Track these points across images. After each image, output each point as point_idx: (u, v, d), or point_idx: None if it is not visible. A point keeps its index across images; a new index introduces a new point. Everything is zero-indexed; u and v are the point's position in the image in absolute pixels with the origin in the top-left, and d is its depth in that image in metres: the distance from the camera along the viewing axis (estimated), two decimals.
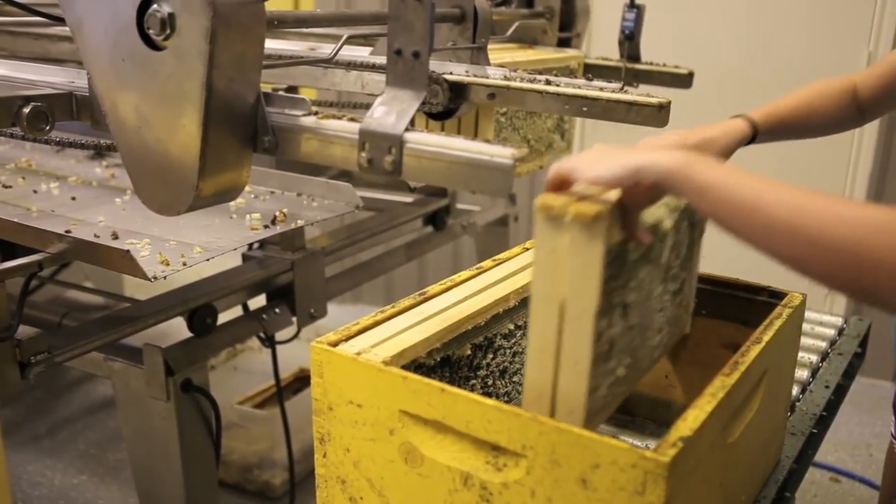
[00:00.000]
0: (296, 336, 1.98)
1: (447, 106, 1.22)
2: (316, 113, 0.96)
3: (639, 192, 0.81)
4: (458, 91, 1.21)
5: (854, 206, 0.70)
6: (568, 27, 1.99)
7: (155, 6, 0.87)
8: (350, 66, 1.33)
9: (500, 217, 2.56)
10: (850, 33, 2.92)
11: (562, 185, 0.81)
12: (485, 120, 1.35)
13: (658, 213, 0.91)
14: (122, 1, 0.89)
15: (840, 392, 1.46)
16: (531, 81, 1.23)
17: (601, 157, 0.81)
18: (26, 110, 1.02)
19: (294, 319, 1.80)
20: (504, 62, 1.47)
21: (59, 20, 1.07)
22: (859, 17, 2.91)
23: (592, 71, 1.87)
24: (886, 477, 1.62)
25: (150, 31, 0.88)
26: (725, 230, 0.76)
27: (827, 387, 1.43)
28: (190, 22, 0.85)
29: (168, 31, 0.87)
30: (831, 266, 0.69)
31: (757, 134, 1.17)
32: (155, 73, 0.90)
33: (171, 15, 0.86)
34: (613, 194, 0.80)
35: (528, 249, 1.29)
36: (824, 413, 1.35)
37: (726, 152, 1.14)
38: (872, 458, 2.72)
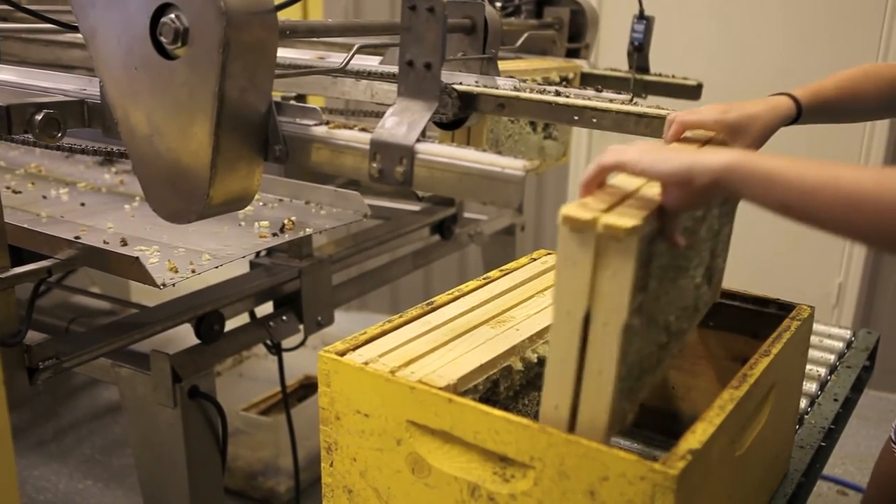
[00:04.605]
0: (302, 343, 1.99)
1: (456, 116, 1.23)
2: (327, 122, 0.97)
3: (687, 194, 0.77)
4: (468, 101, 1.22)
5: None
6: (577, 38, 2.00)
7: (169, 16, 0.87)
8: (360, 75, 1.34)
9: (507, 226, 2.56)
10: (861, 43, 2.91)
11: (604, 179, 0.80)
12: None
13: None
14: (135, 10, 0.90)
15: (848, 405, 1.46)
16: (541, 92, 1.23)
17: (652, 151, 0.78)
18: (39, 117, 1.03)
19: (301, 327, 1.80)
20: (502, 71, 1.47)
21: (72, 28, 1.08)
22: (870, 28, 2.90)
23: (590, 81, 1.86)
24: (878, 481, 1.59)
25: (164, 41, 0.88)
26: (790, 215, 0.76)
27: (835, 400, 1.42)
28: (203, 32, 0.86)
29: (181, 41, 0.87)
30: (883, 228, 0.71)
31: (801, 113, 1.12)
32: (167, 83, 0.91)
33: (184, 25, 0.86)
34: (652, 203, 0.76)
35: (535, 259, 1.29)
36: (832, 426, 1.35)
37: (768, 130, 1.07)
38: None
